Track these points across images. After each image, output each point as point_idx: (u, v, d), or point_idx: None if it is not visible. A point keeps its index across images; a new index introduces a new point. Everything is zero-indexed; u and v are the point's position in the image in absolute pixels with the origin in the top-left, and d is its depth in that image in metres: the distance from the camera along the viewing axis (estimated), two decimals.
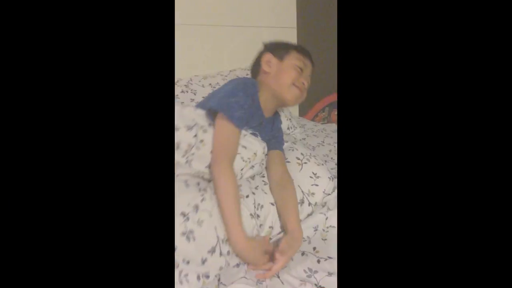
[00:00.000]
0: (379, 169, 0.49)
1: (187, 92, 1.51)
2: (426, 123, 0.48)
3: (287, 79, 1.05)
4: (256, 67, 1.16)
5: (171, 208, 0.67)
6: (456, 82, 0.47)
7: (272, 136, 1.11)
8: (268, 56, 1.11)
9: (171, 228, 0.65)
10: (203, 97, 1.31)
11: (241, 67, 1.74)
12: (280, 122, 1.22)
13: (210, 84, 1.59)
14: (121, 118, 0.50)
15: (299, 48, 1.12)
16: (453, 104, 0.47)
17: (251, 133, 1.00)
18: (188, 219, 0.76)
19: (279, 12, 2.00)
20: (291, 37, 2.04)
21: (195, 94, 1.51)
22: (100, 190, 0.48)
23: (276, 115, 1.19)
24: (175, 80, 1.53)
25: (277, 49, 1.12)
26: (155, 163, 0.50)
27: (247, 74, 1.62)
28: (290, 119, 1.55)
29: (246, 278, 0.76)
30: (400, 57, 0.49)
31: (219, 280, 0.77)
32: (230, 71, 1.72)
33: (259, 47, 1.19)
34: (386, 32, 0.50)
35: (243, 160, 0.93)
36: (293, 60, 1.08)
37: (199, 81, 1.59)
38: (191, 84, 1.56)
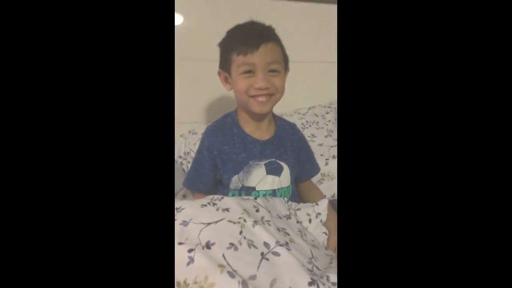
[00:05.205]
0: (379, 170, 0.48)
1: None
2: (426, 122, 0.47)
3: (240, 94, 0.91)
4: None
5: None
6: (454, 80, 0.47)
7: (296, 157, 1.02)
8: (221, 75, 0.97)
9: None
10: None
11: (321, 104, 1.63)
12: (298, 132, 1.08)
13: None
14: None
15: (238, 46, 0.88)
16: (451, 100, 0.47)
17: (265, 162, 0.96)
18: None
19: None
20: None
21: None
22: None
23: (281, 122, 1.05)
24: None
25: (222, 60, 0.95)
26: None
27: (326, 113, 1.55)
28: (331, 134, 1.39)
29: None
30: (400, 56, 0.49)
31: None
32: (309, 108, 1.61)
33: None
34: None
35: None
36: (236, 68, 0.89)
37: None
38: None
